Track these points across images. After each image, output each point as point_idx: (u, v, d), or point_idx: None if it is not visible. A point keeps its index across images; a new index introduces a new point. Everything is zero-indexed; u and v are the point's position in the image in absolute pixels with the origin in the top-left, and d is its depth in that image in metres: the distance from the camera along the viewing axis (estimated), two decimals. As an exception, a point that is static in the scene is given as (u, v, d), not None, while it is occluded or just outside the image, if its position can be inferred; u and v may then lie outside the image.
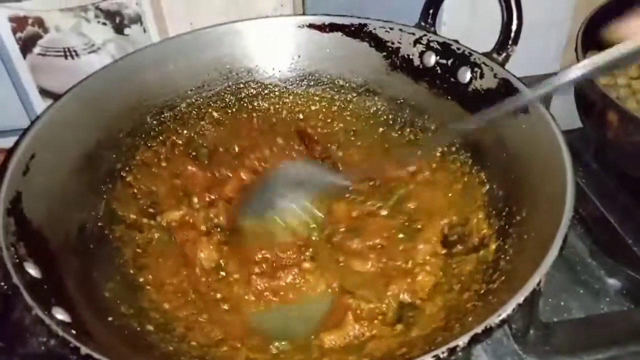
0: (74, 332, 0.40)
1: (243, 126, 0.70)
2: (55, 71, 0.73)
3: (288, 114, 0.72)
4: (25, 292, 0.42)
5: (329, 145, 0.68)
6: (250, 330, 0.51)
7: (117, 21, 0.71)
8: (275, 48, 0.70)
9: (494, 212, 0.56)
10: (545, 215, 0.48)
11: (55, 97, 0.65)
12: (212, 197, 0.62)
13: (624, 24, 0.41)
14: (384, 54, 0.67)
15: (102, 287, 0.52)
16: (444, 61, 0.64)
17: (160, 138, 0.66)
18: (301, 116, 0.71)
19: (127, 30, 0.72)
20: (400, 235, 0.58)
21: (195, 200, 0.61)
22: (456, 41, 0.63)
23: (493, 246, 0.53)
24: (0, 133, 0.76)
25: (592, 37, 0.69)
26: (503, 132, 0.58)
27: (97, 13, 0.70)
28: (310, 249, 0.57)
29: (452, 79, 0.63)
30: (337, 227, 0.59)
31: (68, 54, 0.72)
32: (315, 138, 0.68)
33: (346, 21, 0.68)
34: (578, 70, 0.44)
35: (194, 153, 0.67)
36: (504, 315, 0.39)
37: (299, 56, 0.70)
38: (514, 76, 0.58)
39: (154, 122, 0.66)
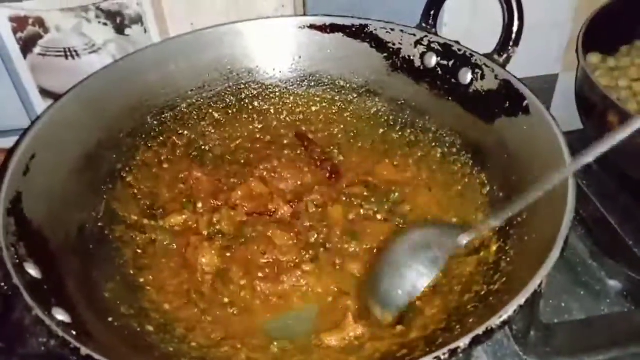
0: (74, 332, 0.40)
1: (245, 128, 0.70)
2: (55, 71, 0.73)
3: (289, 114, 0.72)
4: (26, 293, 0.42)
5: (330, 148, 0.68)
6: (251, 331, 0.51)
7: (118, 21, 0.71)
8: (276, 49, 0.70)
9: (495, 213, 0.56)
10: (546, 217, 0.48)
11: (56, 97, 0.66)
12: (218, 203, 0.61)
13: None
14: (385, 54, 0.67)
15: (102, 288, 0.52)
16: (445, 62, 0.64)
17: (161, 138, 0.66)
18: (302, 117, 0.71)
19: (128, 31, 0.71)
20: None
21: (200, 205, 0.61)
22: (457, 42, 0.63)
23: (494, 247, 0.53)
24: (0, 133, 0.76)
25: (593, 39, 0.69)
26: (504, 134, 0.58)
27: (97, 13, 0.70)
28: (310, 252, 0.57)
29: (453, 80, 0.63)
30: (334, 230, 0.59)
31: (69, 54, 0.72)
32: (314, 140, 0.68)
33: (347, 22, 0.68)
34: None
35: (195, 154, 0.67)
36: (505, 317, 0.39)
37: (300, 57, 0.70)
38: (515, 77, 0.58)
39: (155, 122, 0.66)
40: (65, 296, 0.46)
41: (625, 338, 0.54)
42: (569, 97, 0.73)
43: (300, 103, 0.72)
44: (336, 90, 0.71)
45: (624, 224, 0.61)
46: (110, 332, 0.47)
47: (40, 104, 0.75)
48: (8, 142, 0.65)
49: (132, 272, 0.55)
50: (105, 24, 0.71)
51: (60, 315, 0.42)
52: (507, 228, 0.53)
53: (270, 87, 0.71)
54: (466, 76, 0.62)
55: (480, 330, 0.39)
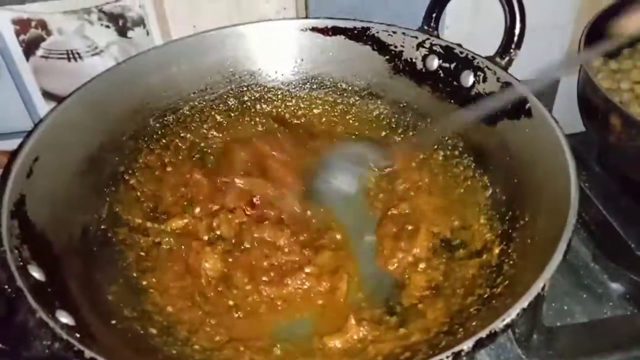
0: (77, 335, 0.41)
1: (246, 130, 0.70)
2: (58, 74, 0.73)
3: (291, 117, 0.72)
4: (29, 295, 0.42)
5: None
6: (255, 334, 0.51)
7: (120, 24, 0.71)
8: (278, 51, 0.70)
9: (497, 216, 0.56)
10: (548, 220, 0.48)
11: (58, 99, 0.66)
12: (216, 206, 0.61)
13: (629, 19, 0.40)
14: (387, 57, 0.68)
15: (106, 290, 0.52)
16: (446, 65, 0.64)
17: (164, 141, 0.66)
18: (304, 119, 0.72)
19: (130, 33, 0.72)
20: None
21: (198, 210, 0.61)
22: (459, 45, 0.63)
23: (496, 250, 0.53)
24: (3, 135, 0.76)
25: (595, 41, 0.69)
26: (506, 136, 0.58)
27: (100, 16, 0.70)
28: (311, 251, 0.57)
29: (454, 83, 0.63)
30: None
31: (71, 56, 0.72)
32: (291, 122, 0.69)
33: (349, 24, 0.68)
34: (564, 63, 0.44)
35: (197, 156, 0.67)
36: (508, 320, 0.39)
37: (302, 59, 0.70)
38: (517, 80, 0.58)
39: (157, 125, 0.66)
40: (69, 299, 0.46)
41: (628, 341, 0.54)
42: (571, 99, 0.73)
43: (302, 106, 0.72)
44: (338, 93, 0.71)
45: (626, 226, 0.61)
46: (113, 335, 0.47)
47: (42, 107, 0.75)
48: (11, 145, 0.66)
49: (135, 274, 0.55)
50: (107, 27, 0.71)
51: (64, 318, 0.42)
52: (510, 231, 0.53)
53: (272, 89, 0.71)
54: (468, 79, 0.62)
55: (483, 334, 0.39)
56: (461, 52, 0.63)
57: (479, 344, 0.39)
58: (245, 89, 0.71)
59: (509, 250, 0.51)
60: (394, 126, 0.69)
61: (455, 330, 0.46)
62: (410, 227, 0.59)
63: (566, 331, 0.56)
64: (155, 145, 0.66)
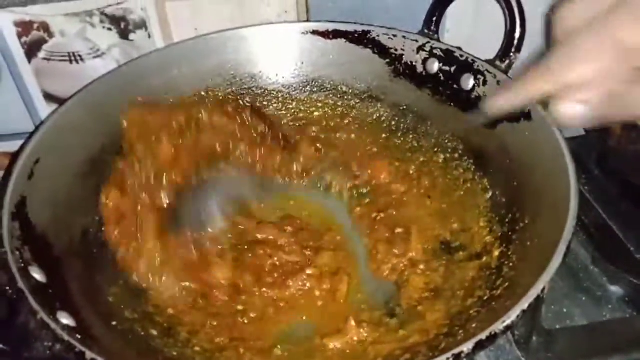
0: (79, 336, 0.41)
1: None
2: (60, 76, 0.73)
3: (291, 120, 0.72)
4: (31, 297, 0.42)
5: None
6: (255, 335, 0.52)
7: (122, 26, 0.71)
8: (279, 54, 0.70)
9: (497, 218, 0.56)
10: (548, 222, 0.48)
11: (60, 101, 0.66)
12: None
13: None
14: (387, 60, 0.68)
15: (106, 292, 0.52)
16: (447, 68, 0.64)
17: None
18: (304, 122, 0.72)
19: (132, 36, 0.72)
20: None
21: None
22: (459, 48, 0.64)
23: (496, 253, 0.53)
24: (5, 137, 0.76)
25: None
26: (506, 139, 0.58)
27: (102, 18, 0.70)
28: (311, 251, 0.58)
29: (455, 86, 0.64)
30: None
31: (73, 58, 0.72)
32: (262, 112, 0.67)
33: (350, 28, 0.68)
34: None
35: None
36: (508, 322, 0.39)
37: (303, 62, 0.71)
38: (517, 83, 0.58)
39: (158, 127, 0.66)
40: (70, 300, 0.46)
41: (627, 344, 0.54)
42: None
43: (303, 108, 0.72)
44: (338, 96, 0.71)
45: (626, 230, 0.61)
46: (114, 336, 0.47)
47: (44, 109, 0.75)
48: (12, 146, 0.66)
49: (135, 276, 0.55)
50: (109, 29, 0.71)
51: (65, 319, 0.42)
52: (510, 234, 0.53)
53: (272, 92, 0.72)
54: (468, 82, 0.62)
55: (483, 335, 0.39)
56: (461, 56, 0.63)
57: (479, 346, 0.39)
58: (246, 91, 0.71)
59: (509, 253, 0.51)
60: (394, 129, 0.69)
61: (455, 332, 0.46)
62: (401, 230, 0.59)
63: (565, 334, 0.56)
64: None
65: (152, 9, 0.70)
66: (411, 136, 0.68)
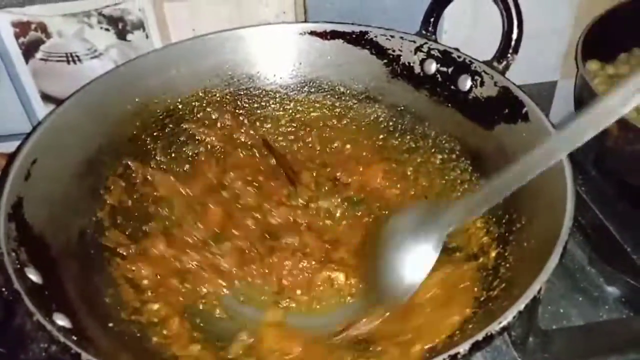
0: (75, 338, 0.40)
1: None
2: (57, 76, 0.73)
3: (289, 120, 0.72)
4: (27, 298, 0.42)
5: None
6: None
7: (120, 27, 0.71)
8: (276, 55, 0.70)
9: (493, 219, 0.56)
10: (545, 223, 0.48)
11: (57, 102, 0.66)
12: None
13: None
14: (385, 61, 0.68)
15: (103, 293, 0.52)
16: (444, 69, 0.64)
17: (162, 144, 0.66)
18: (302, 123, 0.72)
19: (129, 36, 0.72)
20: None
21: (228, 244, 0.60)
22: (457, 49, 0.64)
23: (493, 253, 0.53)
24: (1, 138, 0.76)
25: (592, 46, 0.69)
26: (503, 140, 0.58)
27: (99, 19, 0.70)
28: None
29: (452, 87, 0.64)
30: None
31: (70, 59, 0.72)
32: (277, 149, 0.69)
33: (347, 29, 0.68)
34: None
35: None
36: (504, 323, 0.39)
37: (300, 63, 0.71)
38: (514, 84, 0.58)
39: (156, 128, 0.66)
40: (66, 301, 0.46)
41: (624, 344, 0.55)
42: (568, 104, 0.74)
43: (300, 109, 0.72)
44: (336, 97, 0.71)
45: (622, 230, 0.61)
46: (110, 338, 0.47)
47: (41, 109, 0.75)
48: (9, 147, 0.66)
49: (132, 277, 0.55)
50: (107, 30, 0.71)
51: (61, 321, 0.42)
52: (506, 234, 0.53)
53: (270, 92, 0.72)
54: (465, 83, 0.62)
55: (479, 336, 0.39)
56: (459, 57, 0.63)
57: (475, 347, 0.39)
58: (244, 92, 0.71)
59: (506, 254, 0.51)
60: (391, 130, 0.69)
61: (452, 333, 0.46)
62: None
63: (562, 334, 0.56)
64: (153, 149, 0.66)
65: (149, 10, 0.70)
66: (408, 137, 0.68)
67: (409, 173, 0.66)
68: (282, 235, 0.60)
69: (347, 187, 0.66)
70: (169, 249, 0.58)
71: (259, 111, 0.71)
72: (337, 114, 0.71)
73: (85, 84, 0.61)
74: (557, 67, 0.84)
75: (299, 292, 0.56)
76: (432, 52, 0.65)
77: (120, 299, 0.52)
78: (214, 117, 0.69)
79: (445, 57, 0.64)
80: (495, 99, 0.59)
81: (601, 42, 0.71)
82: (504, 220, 0.54)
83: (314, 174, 0.67)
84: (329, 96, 0.71)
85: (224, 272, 0.57)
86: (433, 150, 0.66)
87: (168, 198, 0.63)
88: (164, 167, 0.65)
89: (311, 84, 0.71)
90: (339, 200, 0.64)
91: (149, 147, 0.65)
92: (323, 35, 0.69)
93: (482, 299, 0.49)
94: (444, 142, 0.65)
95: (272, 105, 0.72)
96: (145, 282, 0.55)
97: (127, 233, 0.59)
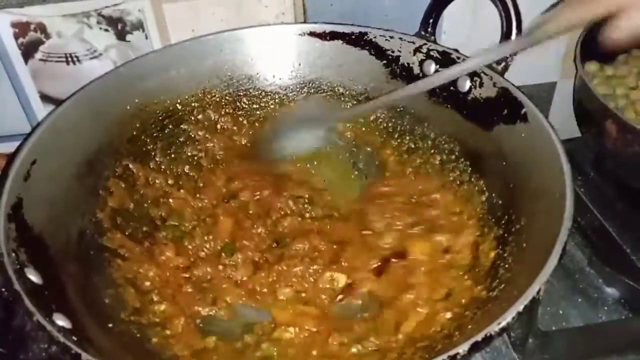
0: (74, 338, 0.40)
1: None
2: (56, 77, 0.73)
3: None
4: (27, 299, 0.42)
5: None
6: None
7: (119, 27, 0.71)
8: (276, 55, 0.70)
9: (492, 220, 0.56)
10: (544, 224, 0.48)
11: (57, 102, 0.66)
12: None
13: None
14: (384, 62, 0.68)
15: (102, 293, 0.52)
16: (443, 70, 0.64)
17: (161, 145, 0.66)
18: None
19: (129, 37, 0.72)
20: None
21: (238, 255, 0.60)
22: (456, 50, 0.64)
23: (492, 254, 0.53)
24: (1, 138, 0.76)
25: (590, 47, 0.69)
26: (502, 141, 0.58)
27: (99, 19, 0.70)
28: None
29: (451, 88, 0.64)
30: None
31: (70, 59, 0.72)
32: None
33: (347, 29, 0.68)
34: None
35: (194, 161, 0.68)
36: (503, 324, 0.39)
37: (300, 64, 0.71)
38: (513, 85, 0.58)
39: (155, 128, 0.66)
40: (66, 302, 0.46)
41: (623, 345, 0.55)
42: (567, 104, 0.74)
43: (300, 110, 0.72)
44: (335, 97, 0.71)
45: (621, 232, 0.61)
46: (110, 338, 0.47)
47: (40, 109, 0.75)
48: (8, 147, 0.66)
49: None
50: (106, 30, 0.71)
51: (61, 321, 0.42)
52: (506, 235, 0.53)
53: (270, 93, 0.72)
54: (465, 84, 0.62)
55: (479, 337, 0.39)
56: (458, 57, 0.63)
57: (475, 348, 0.39)
58: (243, 93, 0.71)
59: (505, 255, 0.51)
60: (390, 130, 0.69)
61: (451, 334, 0.47)
62: None
63: (561, 335, 0.56)
64: (153, 150, 0.66)
65: (149, 10, 0.70)
66: (408, 138, 0.68)
67: (408, 174, 0.66)
68: (291, 242, 0.60)
69: None
70: (178, 257, 0.58)
71: (258, 112, 0.71)
72: (336, 115, 0.71)
73: (85, 84, 0.61)
74: (556, 68, 0.85)
75: (303, 295, 0.57)
76: (432, 52, 0.65)
77: (120, 299, 0.52)
78: (213, 118, 0.69)
79: (444, 57, 0.64)
80: (494, 100, 0.60)
81: (599, 43, 0.71)
82: (503, 221, 0.54)
83: None
84: (328, 97, 0.71)
85: (239, 283, 0.58)
86: (432, 151, 0.66)
87: (179, 210, 0.64)
88: (164, 167, 0.65)
89: (310, 84, 0.71)
90: None
91: (148, 147, 0.65)
92: (322, 36, 0.69)
93: (481, 299, 0.49)
94: (443, 142, 0.65)
95: (272, 106, 0.72)
96: (148, 283, 0.55)
97: (127, 234, 0.59)
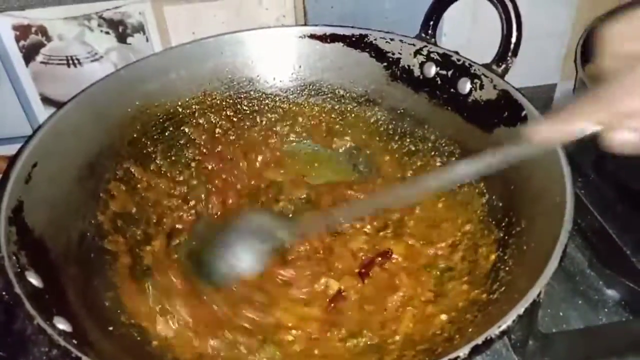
0: (75, 341, 0.41)
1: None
2: (57, 79, 0.74)
3: (288, 123, 0.72)
4: (27, 302, 0.42)
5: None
6: None
7: (120, 30, 0.71)
8: (276, 58, 0.70)
9: (493, 222, 0.56)
10: (544, 226, 0.48)
11: (58, 105, 0.66)
12: None
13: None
14: (385, 64, 0.68)
15: (103, 296, 0.52)
16: (444, 72, 0.64)
17: (162, 147, 0.66)
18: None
19: (129, 39, 0.72)
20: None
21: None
22: (456, 52, 0.64)
23: (492, 257, 0.53)
24: (2, 141, 0.76)
25: (591, 49, 0.69)
26: (503, 143, 0.58)
27: (100, 22, 0.70)
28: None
29: (452, 90, 0.64)
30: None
31: (71, 62, 0.73)
32: None
33: (347, 32, 0.68)
34: None
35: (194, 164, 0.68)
36: (504, 327, 0.39)
37: (300, 66, 0.71)
38: (514, 87, 0.59)
39: (156, 131, 0.66)
40: (67, 305, 0.46)
41: (624, 347, 0.54)
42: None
43: (300, 112, 0.72)
44: (336, 100, 0.71)
45: (622, 234, 0.61)
46: (110, 341, 0.47)
47: (41, 112, 0.76)
48: (9, 150, 0.66)
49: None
50: (107, 33, 0.71)
51: (62, 324, 0.42)
52: (506, 238, 0.53)
53: (270, 96, 0.72)
54: (465, 86, 0.62)
55: (479, 340, 0.39)
56: (458, 60, 0.63)
57: (475, 351, 0.39)
58: (244, 95, 0.71)
59: (505, 257, 0.51)
60: (391, 132, 0.69)
61: (452, 337, 0.47)
62: None
63: (562, 337, 0.56)
64: (153, 152, 0.66)
65: (149, 13, 0.70)
66: (408, 140, 0.68)
67: (408, 176, 0.66)
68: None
69: None
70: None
71: (258, 114, 0.71)
72: (336, 117, 0.72)
73: (86, 87, 0.61)
74: (557, 70, 0.85)
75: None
76: (432, 55, 0.65)
77: (120, 302, 0.52)
78: (214, 120, 0.69)
79: (444, 60, 0.64)
80: (494, 102, 0.60)
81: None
82: (503, 224, 0.55)
83: None
84: (328, 99, 0.72)
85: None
86: (433, 153, 0.66)
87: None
88: (164, 170, 0.65)
89: (311, 87, 0.71)
90: None
91: (149, 150, 0.65)
92: (323, 38, 0.69)
93: (481, 302, 0.49)
94: (443, 145, 0.65)
95: (272, 108, 0.72)
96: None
97: (127, 236, 0.59)
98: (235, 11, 0.72)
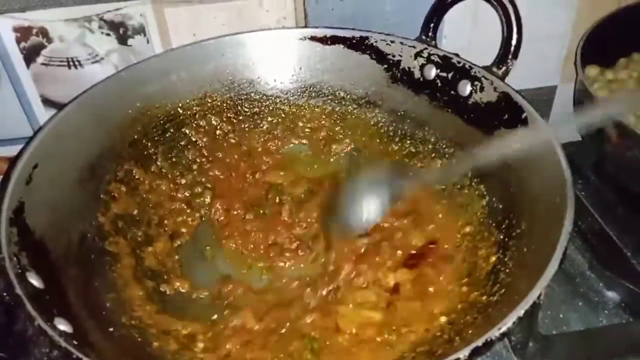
0: (76, 342, 0.41)
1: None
2: (58, 81, 0.74)
3: (288, 124, 0.72)
4: (28, 303, 0.42)
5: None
6: None
7: (121, 32, 0.71)
8: (277, 60, 0.70)
9: (493, 224, 0.56)
10: (544, 228, 0.48)
11: (58, 106, 0.66)
12: None
13: None
14: (385, 66, 0.68)
15: (103, 297, 0.52)
16: (444, 74, 0.64)
17: (163, 149, 0.66)
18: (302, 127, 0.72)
19: (130, 41, 0.72)
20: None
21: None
22: (457, 54, 0.64)
23: (493, 259, 0.53)
24: (3, 142, 0.76)
25: (591, 51, 0.70)
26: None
27: (101, 24, 0.70)
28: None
29: (452, 92, 0.64)
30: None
31: (71, 63, 0.73)
32: None
33: (348, 34, 0.68)
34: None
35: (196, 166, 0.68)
36: (504, 329, 0.40)
37: (301, 68, 0.71)
38: (514, 89, 0.59)
39: (157, 133, 0.66)
40: (67, 306, 0.46)
41: (624, 350, 0.54)
42: (567, 109, 0.74)
43: (300, 114, 0.72)
44: (336, 101, 0.71)
45: (622, 235, 0.61)
46: (111, 342, 0.47)
47: (42, 114, 0.76)
48: (10, 151, 0.66)
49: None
50: (108, 34, 0.71)
51: (62, 326, 0.42)
52: (506, 240, 0.53)
53: (271, 97, 0.72)
54: (465, 88, 0.62)
55: (479, 342, 0.39)
56: (458, 62, 0.63)
57: (475, 353, 0.39)
58: (244, 97, 0.71)
59: (506, 259, 0.51)
60: (391, 134, 0.69)
61: (452, 339, 0.47)
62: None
63: (562, 339, 0.56)
64: (154, 154, 0.66)
65: (150, 15, 0.70)
66: (408, 142, 0.68)
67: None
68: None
69: None
70: None
71: (259, 116, 0.71)
72: (336, 119, 0.72)
73: (87, 88, 0.61)
74: (557, 72, 0.85)
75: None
76: (432, 57, 0.65)
77: (121, 303, 0.53)
78: (214, 122, 0.69)
79: (445, 62, 0.64)
80: (495, 104, 0.60)
81: (600, 47, 0.71)
82: (503, 226, 0.55)
83: None
84: (329, 101, 0.72)
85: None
86: (433, 155, 0.66)
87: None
88: (165, 171, 0.65)
89: (311, 89, 0.72)
90: None
91: (149, 151, 0.65)
92: (323, 40, 0.69)
93: (481, 304, 0.49)
94: (443, 147, 0.65)
95: (272, 110, 0.72)
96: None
97: (128, 238, 0.59)
98: (236, 13, 0.72)
